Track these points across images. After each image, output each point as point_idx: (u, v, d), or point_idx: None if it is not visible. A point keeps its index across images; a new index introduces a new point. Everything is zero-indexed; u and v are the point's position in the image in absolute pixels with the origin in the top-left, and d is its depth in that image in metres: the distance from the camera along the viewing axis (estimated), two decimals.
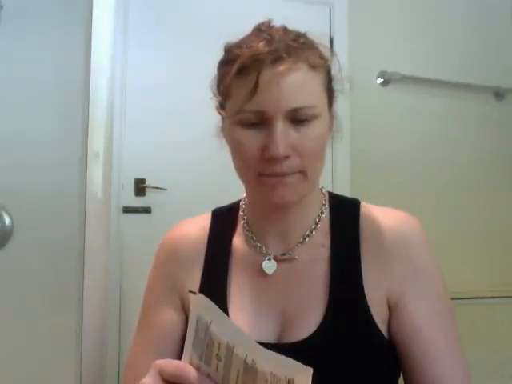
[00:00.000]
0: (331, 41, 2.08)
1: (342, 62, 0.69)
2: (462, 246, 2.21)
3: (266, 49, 0.61)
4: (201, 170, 1.85)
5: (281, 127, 0.60)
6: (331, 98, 0.69)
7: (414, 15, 2.29)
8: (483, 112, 2.36)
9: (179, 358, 0.67)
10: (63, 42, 1.72)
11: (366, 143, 2.13)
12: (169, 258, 0.74)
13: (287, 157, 0.60)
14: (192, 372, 0.45)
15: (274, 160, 0.60)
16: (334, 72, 0.69)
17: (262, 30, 0.65)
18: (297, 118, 0.61)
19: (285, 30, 0.66)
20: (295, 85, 0.61)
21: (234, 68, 0.61)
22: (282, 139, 0.60)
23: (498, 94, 2.39)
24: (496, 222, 2.30)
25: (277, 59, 0.60)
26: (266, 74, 0.59)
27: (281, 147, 0.59)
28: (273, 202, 0.64)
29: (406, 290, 0.64)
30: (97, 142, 1.73)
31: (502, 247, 2.28)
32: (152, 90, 1.86)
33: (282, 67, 0.60)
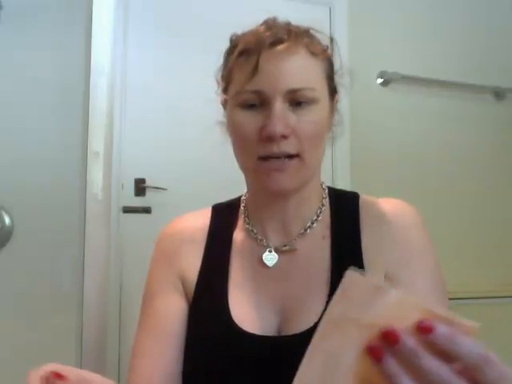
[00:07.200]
0: (331, 41, 2.07)
1: (342, 60, 0.71)
2: (462, 245, 2.21)
3: (267, 33, 0.63)
4: (201, 170, 1.85)
5: (279, 107, 0.61)
6: (333, 90, 0.69)
7: (413, 15, 2.29)
8: (483, 112, 2.36)
9: (183, 342, 0.69)
10: (63, 42, 1.72)
11: (366, 143, 2.13)
12: (171, 247, 0.74)
13: (285, 137, 0.61)
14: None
15: (271, 139, 0.60)
16: (336, 68, 0.71)
17: (266, 22, 0.68)
18: (295, 100, 0.62)
19: (288, 22, 0.68)
20: (294, 66, 0.62)
21: (236, 51, 0.64)
22: (280, 118, 0.60)
23: (498, 93, 2.39)
24: (496, 221, 2.31)
25: (276, 41, 0.62)
26: (266, 55, 0.61)
27: (278, 125, 0.60)
28: (270, 190, 0.64)
29: (401, 270, 0.65)
30: (97, 142, 1.73)
31: (502, 247, 2.28)
32: (152, 89, 1.86)
33: (280, 47, 0.61)
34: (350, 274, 0.36)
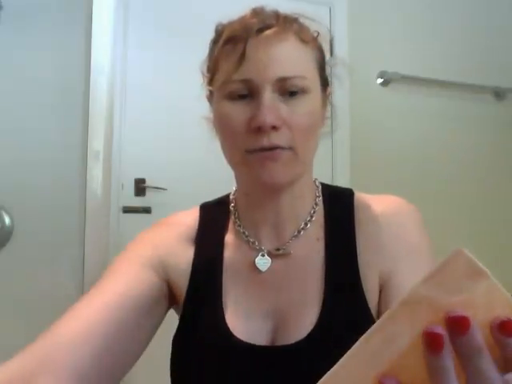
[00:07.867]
0: (331, 41, 2.08)
1: (335, 51, 0.69)
2: (462, 244, 2.20)
3: (254, 19, 0.59)
4: (201, 170, 1.84)
5: (268, 96, 0.57)
6: (325, 81, 0.66)
7: (413, 15, 2.29)
8: (483, 112, 2.36)
9: (140, 314, 0.60)
10: (63, 42, 1.72)
11: (366, 143, 2.13)
12: (161, 237, 0.69)
13: (275, 128, 0.57)
14: None
15: (260, 131, 0.56)
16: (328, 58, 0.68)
17: (254, 9, 0.64)
18: (286, 90, 0.58)
19: (276, 10, 0.64)
20: (283, 53, 0.58)
21: (222, 39, 0.60)
22: (270, 108, 0.56)
23: (498, 94, 2.39)
24: (496, 221, 2.31)
25: (264, 27, 0.58)
26: (253, 42, 0.57)
27: (268, 115, 0.55)
28: (263, 181, 0.59)
29: (397, 268, 0.61)
30: (97, 142, 1.73)
31: (501, 246, 2.28)
32: (152, 89, 1.86)
33: (268, 32, 0.58)
34: (459, 252, 0.31)
